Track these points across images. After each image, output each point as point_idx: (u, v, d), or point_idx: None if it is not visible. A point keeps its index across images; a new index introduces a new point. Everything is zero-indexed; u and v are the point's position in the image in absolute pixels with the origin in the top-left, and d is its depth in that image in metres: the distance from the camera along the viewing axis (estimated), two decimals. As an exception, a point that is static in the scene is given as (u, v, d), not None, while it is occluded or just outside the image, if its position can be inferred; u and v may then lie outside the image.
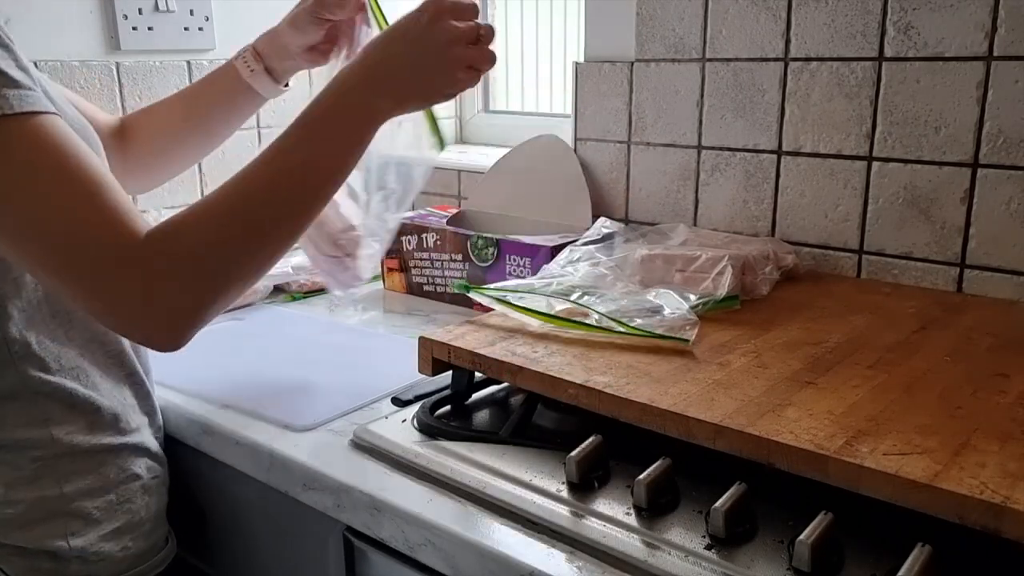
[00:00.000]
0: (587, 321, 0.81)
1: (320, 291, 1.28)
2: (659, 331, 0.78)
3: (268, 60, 0.95)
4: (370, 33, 0.92)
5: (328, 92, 0.71)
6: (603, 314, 0.81)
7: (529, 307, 0.84)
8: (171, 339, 0.64)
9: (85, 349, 0.78)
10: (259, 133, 1.51)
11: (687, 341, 0.77)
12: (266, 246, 0.67)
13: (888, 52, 0.99)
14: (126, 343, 0.83)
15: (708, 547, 0.57)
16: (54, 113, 0.63)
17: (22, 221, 0.61)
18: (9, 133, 0.60)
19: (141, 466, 0.82)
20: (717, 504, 0.58)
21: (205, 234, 0.64)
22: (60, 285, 0.63)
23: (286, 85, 0.99)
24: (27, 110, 0.61)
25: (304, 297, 1.26)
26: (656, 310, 0.83)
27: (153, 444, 0.84)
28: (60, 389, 0.75)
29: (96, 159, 0.64)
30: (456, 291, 0.97)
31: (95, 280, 0.61)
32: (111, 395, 0.80)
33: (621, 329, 0.79)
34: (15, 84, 0.61)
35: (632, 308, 0.84)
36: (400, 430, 0.77)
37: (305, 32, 0.92)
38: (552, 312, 0.83)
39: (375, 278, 1.33)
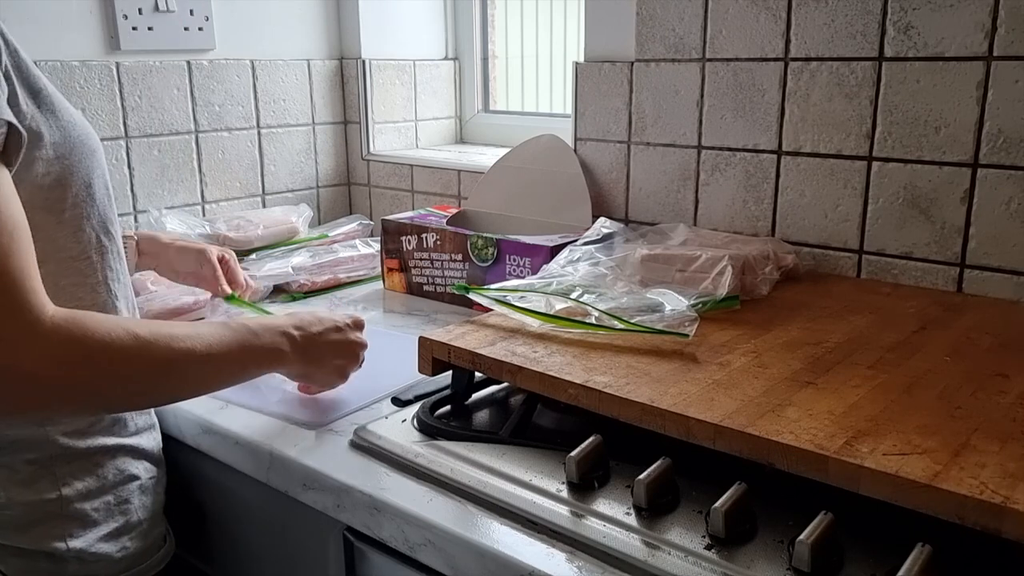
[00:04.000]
0: (587, 320, 0.81)
1: (320, 291, 1.28)
2: (659, 327, 0.78)
3: (147, 259, 1.05)
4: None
5: (267, 327, 0.79)
6: (603, 311, 0.81)
7: (528, 307, 0.84)
8: (31, 412, 0.67)
9: None
10: (259, 133, 1.52)
11: (687, 335, 0.77)
12: (152, 392, 0.71)
13: (888, 52, 0.99)
14: None
15: (708, 547, 0.57)
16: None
17: None
18: None
19: (138, 467, 0.82)
20: (717, 504, 0.58)
21: (109, 352, 0.64)
22: None
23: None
24: None
25: (304, 297, 1.26)
26: (656, 308, 0.83)
27: (150, 445, 0.84)
28: None
29: (22, 217, 0.62)
30: (456, 292, 0.97)
31: None
32: None
33: (620, 326, 0.79)
34: None
35: (632, 306, 0.84)
36: (400, 430, 0.77)
37: (189, 265, 1.05)
38: (552, 312, 0.83)
39: (375, 278, 1.34)
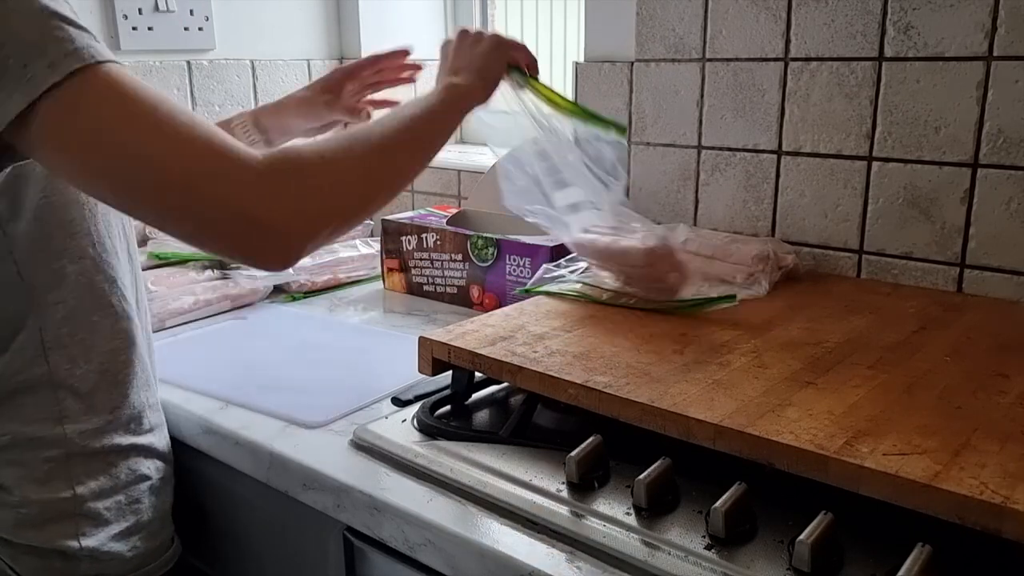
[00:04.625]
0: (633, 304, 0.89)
1: (320, 291, 1.28)
2: (713, 294, 0.87)
3: (270, 134, 1.00)
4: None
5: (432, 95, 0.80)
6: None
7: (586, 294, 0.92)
8: (287, 259, 0.63)
9: (112, 346, 0.79)
10: (259, 133, 1.51)
11: (733, 299, 0.86)
12: (380, 191, 0.70)
13: (888, 52, 0.99)
14: (147, 342, 0.83)
15: (708, 547, 0.57)
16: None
17: (132, 161, 0.57)
18: (97, 80, 0.57)
19: (150, 467, 0.82)
20: (717, 504, 0.58)
21: (324, 161, 0.64)
22: (174, 220, 0.60)
23: None
24: (107, 58, 0.58)
25: (304, 297, 1.26)
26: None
27: (162, 444, 0.85)
28: (84, 384, 0.76)
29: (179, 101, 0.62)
30: (519, 294, 0.99)
31: (219, 207, 0.58)
32: (135, 395, 0.81)
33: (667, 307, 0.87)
34: (86, 32, 0.58)
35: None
36: (400, 430, 0.77)
37: (317, 118, 1.00)
38: (602, 299, 0.90)
39: (375, 278, 1.34)
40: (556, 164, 0.90)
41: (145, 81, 0.60)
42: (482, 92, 0.84)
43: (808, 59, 1.05)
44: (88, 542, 0.76)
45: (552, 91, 0.89)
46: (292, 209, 0.60)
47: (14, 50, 0.55)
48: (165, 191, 0.58)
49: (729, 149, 1.14)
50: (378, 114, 0.99)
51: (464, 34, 0.87)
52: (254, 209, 0.58)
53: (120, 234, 0.81)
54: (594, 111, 0.91)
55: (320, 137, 0.67)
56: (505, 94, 0.88)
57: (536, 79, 0.89)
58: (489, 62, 0.85)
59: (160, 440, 0.85)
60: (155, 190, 0.58)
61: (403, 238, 1.25)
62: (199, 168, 0.58)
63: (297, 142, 0.67)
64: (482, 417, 0.82)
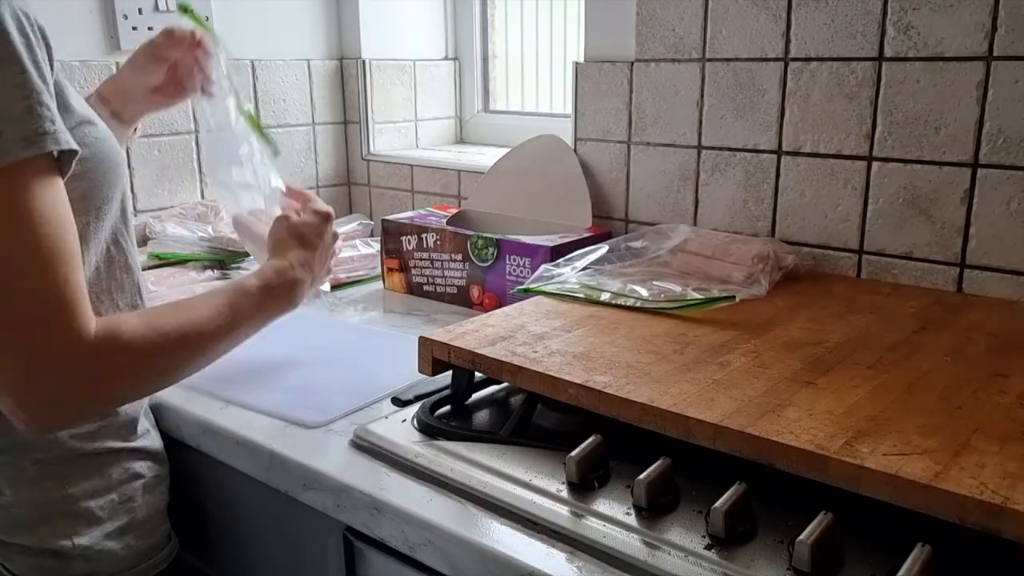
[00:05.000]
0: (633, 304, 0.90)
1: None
2: (714, 294, 0.89)
3: (113, 104, 0.96)
4: (216, 62, 0.96)
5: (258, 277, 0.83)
6: (645, 298, 0.90)
7: (583, 296, 0.93)
8: (53, 427, 0.70)
9: None
10: (259, 133, 1.51)
11: (733, 298, 0.87)
12: (179, 377, 0.74)
13: (888, 52, 0.99)
14: None
15: (708, 547, 0.57)
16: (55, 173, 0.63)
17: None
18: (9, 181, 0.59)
19: (143, 466, 0.82)
20: (717, 504, 0.58)
21: (147, 357, 0.67)
22: None
23: (135, 131, 1.01)
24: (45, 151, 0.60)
25: (304, 297, 1.25)
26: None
27: (154, 445, 0.84)
28: None
29: (74, 233, 0.63)
30: (517, 293, 1.00)
31: (22, 363, 0.60)
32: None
33: (670, 306, 0.88)
34: (44, 120, 0.60)
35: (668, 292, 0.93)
36: (400, 430, 0.77)
37: (145, 72, 0.95)
38: (600, 299, 0.91)
39: (375, 278, 1.34)
40: (239, 147, 0.97)
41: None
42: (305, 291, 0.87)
43: (808, 59, 1.05)
44: (81, 541, 0.76)
45: (239, 96, 0.95)
46: (95, 393, 0.65)
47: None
48: None
49: (729, 149, 1.14)
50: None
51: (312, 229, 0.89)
52: (57, 381, 0.61)
53: (122, 240, 0.80)
54: (261, 127, 0.99)
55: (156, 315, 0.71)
56: (219, 77, 0.95)
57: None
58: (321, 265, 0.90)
59: (153, 442, 0.84)
60: None
61: (403, 238, 1.25)
62: (27, 316, 0.59)
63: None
64: (482, 417, 0.82)
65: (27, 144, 0.59)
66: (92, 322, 0.62)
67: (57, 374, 0.61)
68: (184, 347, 0.71)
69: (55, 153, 0.62)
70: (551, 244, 1.09)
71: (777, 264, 1.00)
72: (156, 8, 1.33)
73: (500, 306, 1.09)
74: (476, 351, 0.77)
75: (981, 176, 0.96)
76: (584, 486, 0.65)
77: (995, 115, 0.93)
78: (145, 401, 0.85)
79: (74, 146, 0.63)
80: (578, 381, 0.69)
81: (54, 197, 0.61)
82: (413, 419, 0.79)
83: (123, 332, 0.64)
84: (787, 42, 1.07)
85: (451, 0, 1.72)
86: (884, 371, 0.72)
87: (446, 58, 1.74)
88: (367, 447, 0.76)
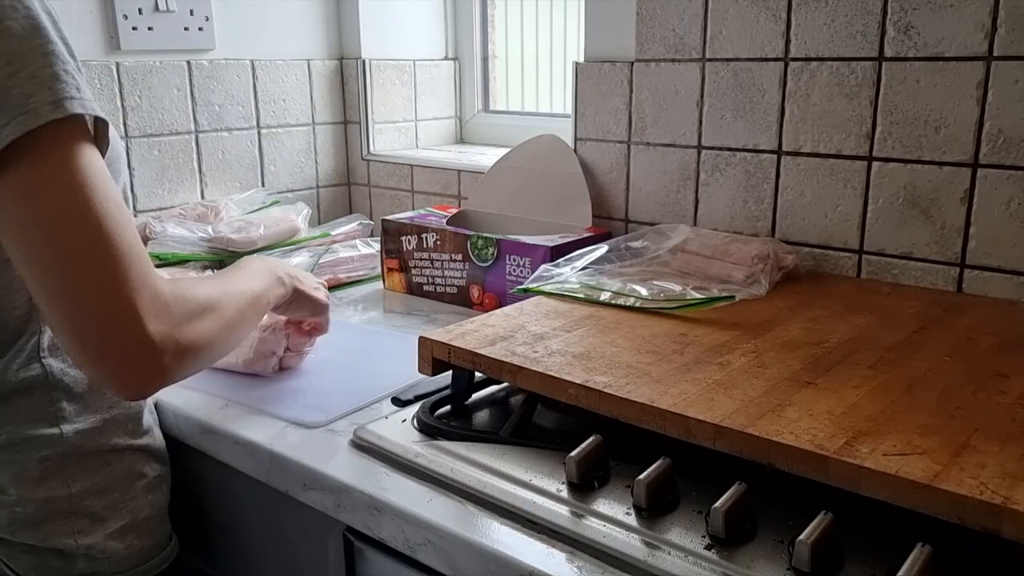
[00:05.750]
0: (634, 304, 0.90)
1: (320, 291, 1.28)
2: (714, 293, 0.89)
3: None
4: None
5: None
6: (646, 298, 0.90)
7: (584, 296, 0.93)
8: (140, 395, 0.69)
9: None
10: (259, 133, 1.52)
11: (733, 298, 0.88)
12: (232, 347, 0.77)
13: (888, 52, 0.99)
14: None
15: (708, 547, 0.57)
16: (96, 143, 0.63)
17: (56, 261, 0.59)
18: (65, 145, 0.59)
19: (146, 466, 0.82)
20: (717, 504, 0.58)
21: (214, 343, 0.69)
22: (61, 334, 0.61)
23: None
24: (89, 112, 0.61)
25: (304, 297, 1.25)
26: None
27: (157, 444, 0.85)
28: (79, 385, 0.76)
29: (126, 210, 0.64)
30: (517, 293, 1.00)
31: (107, 352, 0.60)
32: None
33: (670, 306, 0.88)
34: (73, 82, 0.61)
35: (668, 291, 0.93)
36: (400, 430, 0.77)
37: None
38: (600, 299, 0.91)
39: (375, 278, 1.34)
40: None
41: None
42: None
43: (808, 59, 1.05)
44: (84, 540, 0.76)
45: None
46: (171, 369, 0.64)
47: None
48: (64, 308, 0.59)
49: (729, 149, 1.14)
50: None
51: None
52: (148, 328, 0.61)
53: None
54: None
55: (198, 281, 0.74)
56: None
57: None
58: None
59: (156, 440, 0.85)
60: (57, 300, 0.60)
61: (403, 238, 1.25)
62: (104, 312, 0.60)
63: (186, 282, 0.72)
64: (482, 417, 0.82)
65: (56, 107, 0.59)
66: (162, 279, 0.63)
67: (157, 328, 0.61)
68: (230, 297, 0.73)
69: (89, 122, 0.62)
70: (551, 244, 1.09)
71: (777, 264, 1.00)
72: (156, 8, 1.33)
73: (500, 306, 1.09)
74: (476, 351, 0.77)
75: (981, 176, 0.96)
76: (584, 486, 0.65)
77: (995, 115, 0.93)
78: (150, 399, 0.85)
79: (102, 114, 0.63)
80: (578, 381, 0.69)
81: (99, 160, 0.62)
82: (413, 419, 0.79)
83: (180, 281, 0.67)
84: (787, 42, 1.07)
85: (451, 0, 1.72)
86: (884, 371, 0.72)
87: (446, 58, 1.74)
88: (367, 447, 0.76)
